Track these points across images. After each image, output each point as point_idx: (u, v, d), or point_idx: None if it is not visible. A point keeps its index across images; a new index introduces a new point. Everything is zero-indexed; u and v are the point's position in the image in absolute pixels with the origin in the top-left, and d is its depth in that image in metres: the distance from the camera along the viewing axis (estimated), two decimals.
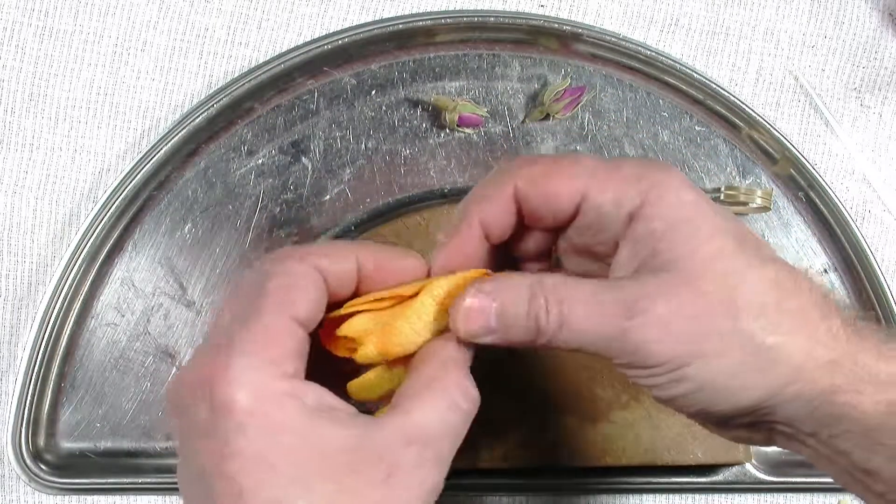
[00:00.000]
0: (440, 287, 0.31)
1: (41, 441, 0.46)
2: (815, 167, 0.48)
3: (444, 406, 0.29)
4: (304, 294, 0.29)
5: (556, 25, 0.47)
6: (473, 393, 0.31)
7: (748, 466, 0.47)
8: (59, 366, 0.46)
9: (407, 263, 0.32)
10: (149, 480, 0.46)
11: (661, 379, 0.29)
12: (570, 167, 0.31)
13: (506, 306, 0.30)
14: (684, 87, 0.48)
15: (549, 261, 0.35)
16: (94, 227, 0.46)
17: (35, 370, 0.45)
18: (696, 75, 0.47)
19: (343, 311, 0.31)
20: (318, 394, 0.28)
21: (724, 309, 0.28)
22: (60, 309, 0.46)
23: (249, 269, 0.31)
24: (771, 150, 0.48)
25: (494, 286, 0.30)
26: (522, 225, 0.33)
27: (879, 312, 0.48)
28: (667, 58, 0.47)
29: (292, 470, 0.26)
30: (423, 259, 0.33)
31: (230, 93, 0.46)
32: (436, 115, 0.48)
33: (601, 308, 0.29)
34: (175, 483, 0.46)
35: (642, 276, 0.29)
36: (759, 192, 0.47)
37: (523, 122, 0.48)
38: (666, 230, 0.29)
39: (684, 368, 0.28)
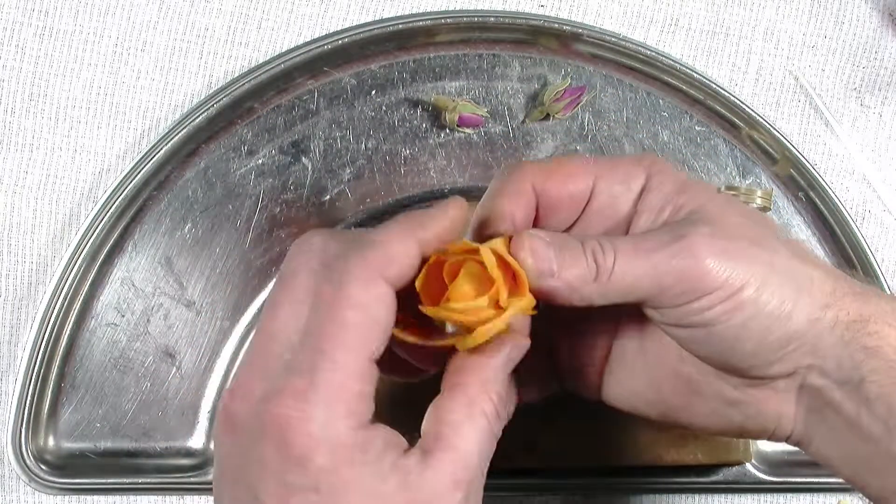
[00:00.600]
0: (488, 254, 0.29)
1: (41, 441, 0.46)
2: (815, 167, 0.48)
3: (485, 439, 0.29)
4: (383, 329, 0.28)
5: (556, 25, 0.47)
6: (509, 411, 0.31)
7: (748, 466, 0.47)
8: (59, 366, 0.46)
9: (456, 215, 0.31)
10: (149, 480, 0.46)
11: (715, 311, 0.29)
12: (578, 161, 0.33)
13: (564, 244, 0.30)
14: (684, 87, 0.48)
15: None
16: (94, 227, 0.46)
17: (35, 370, 0.45)
18: (696, 75, 0.48)
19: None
20: (383, 440, 0.28)
21: (758, 237, 0.30)
22: (60, 309, 0.46)
23: (307, 250, 0.28)
24: (771, 150, 0.48)
25: (546, 233, 0.31)
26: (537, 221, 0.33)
27: None
28: (667, 58, 0.47)
29: None
30: (461, 200, 0.31)
31: (230, 93, 0.46)
32: (436, 115, 0.48)
33: (650, 243, 0.30)
34: (176, 483, 0.46)
35: (685, 223, 0.31)
36: (759, 192, 0.47)
37: (523, 122, 0.48)
38: (680, 188, 0.31)
39: (741, 293, 0.29)
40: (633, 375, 0.34)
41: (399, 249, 0.28)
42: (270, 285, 0.47)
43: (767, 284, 0.29)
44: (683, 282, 0.29)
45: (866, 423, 0.30)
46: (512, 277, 0.29)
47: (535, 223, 0.33)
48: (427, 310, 0.29)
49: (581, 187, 0.33)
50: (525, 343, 0.31)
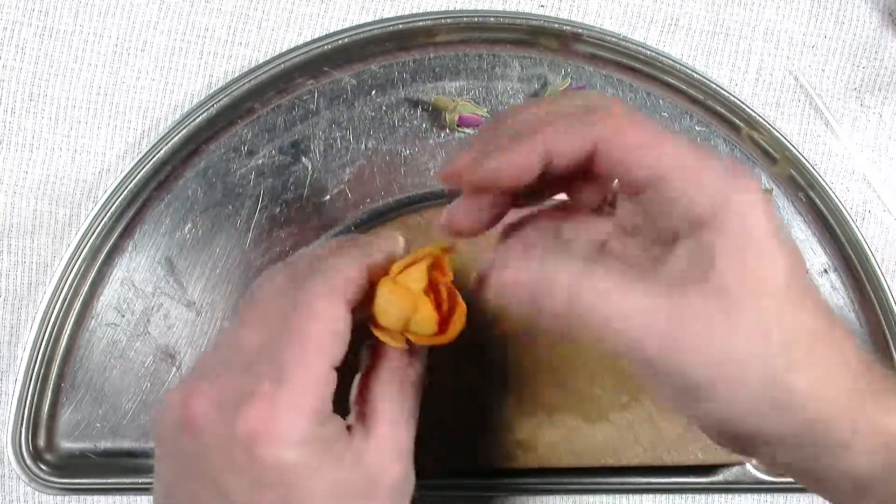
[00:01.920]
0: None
1: (41, 441, 0.46)
2: (815, 167, 0.48)
3: (409, 413, 0.33)
4: (342, 341, 0.30)
5: (556, 25, 0.47)
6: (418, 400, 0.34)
7: (748, 466, 0.47)
8: (59, 366, 0.46)
9: (395, 246, 0.34)
10: (149, 480, 0.46)
11: (684, 397, 0.29)
12: (661, 145, 0.28)
13: (542, 289, 0.29)
14: (684, 87, 0.48)
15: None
16: (94, 227, 0.46)
17: (35, 370, 0.45)
18: (696, 75, 0.47)
19: None
20: (338, 428, 0.30)
21: (759, 345, 0.28)
22: (60, 309, 0.46)
23: (271, 281, 0.32)
24: (771, 150, 0.48)
25: (530, 264, 0.29)
26: (585, 173, 0.30)
27: (879, 312, 0.48)
28: (667, 58, 0.47)
29: None
30: (398, 236, 0.34)
31: (230, 93, 0.46)
32: (436, 115, 0.48)
33: (645, 318, 0.28)
34: None
35: (692, 291, 0.28)
36: None
37: None
38: (730, 248, 0.28)
39: (711, 390, 0.28)
40: None
41: (353, 273, 0.31)
42: None
43: (739, 391, 0.28)
44: (664, 359, 0.28)
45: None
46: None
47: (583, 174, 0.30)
48: (375, 332, 0.33)
49: (643, 172, 0.28)
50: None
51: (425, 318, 0.32)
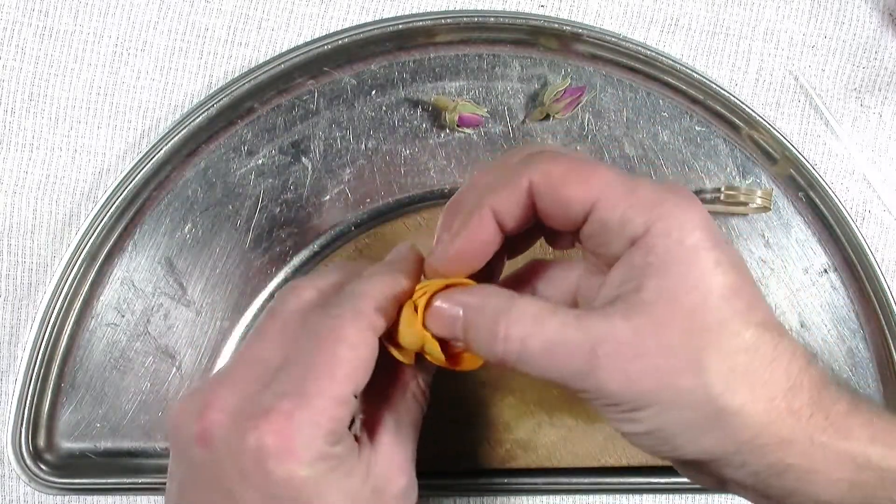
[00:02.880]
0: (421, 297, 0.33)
1: (41, 441, 0.46)
2: (815, 167, 0.48)
3: (417, 420, 0.34)
4: (367, 369, 0.31)
5: (556, 25, 0.47)
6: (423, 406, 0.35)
7: None
8: (59, 366, 0.46)
9: (416, 263, 0.34)
10: (149, 480, 0.46)
11: (617, 415, 0.29)
12: (588, 174, 0.29)
13: (470, 324, 0.31)
14: (684, 87, 0.48)
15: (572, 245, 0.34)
16: (94, 227, 0.46)
17: (35, 370, 0.45)
18: (696, 75, 0.47)
19: None
20: (350, 445, 0.31)
21: (688, 365, 0.28)
22: (60, 309, 0.46)
23: (297, 297, 0.33)
24: (771, 150, 0.48)
25: (465, 299, 0.31)
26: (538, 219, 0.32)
27: (879, 312, 0.48)
28: (667, 58, 0.47)
29: None
30: (411, 245, 0.35)
31: (230, 93, 0.46)
32: (436, 115, 0.48)
33: (565, 348, 0.28)
34: None
35: (616, 313, 0.28)
36: (759, 192, 0.47)
37: (523, 122, 0.48)
38: (658, 267, 0.28)
39: (638, 412, 0.28)
40: None
41: (383, 303, 0.31)
42: (271, 285, 0.47)
43: (670, 415, 0.28)
44: (588, 392, 0.29)
45: None
46: None
47: (530, 217, 0.32)
48: (390, 349, 0.33)
49: (574, 213, 0.30)
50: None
51: (433, 351, 0.32)
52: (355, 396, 0.30)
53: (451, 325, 0.31)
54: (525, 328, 0.29)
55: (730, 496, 0.49)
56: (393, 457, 0.33)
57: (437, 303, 0.31)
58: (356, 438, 0.32)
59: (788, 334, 0.29)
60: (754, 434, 0.28)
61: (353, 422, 0.33)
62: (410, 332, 0.32)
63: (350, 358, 0.30)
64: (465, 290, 0.32)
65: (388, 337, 0.33)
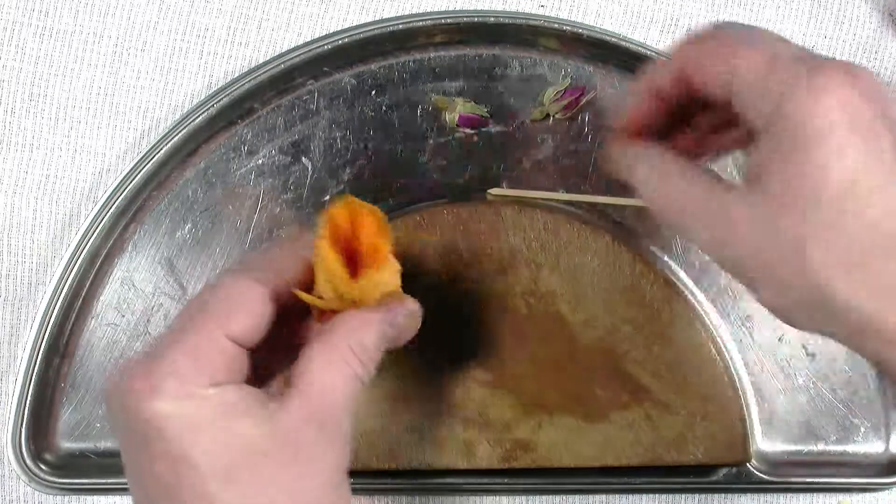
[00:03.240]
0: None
1: (41, 441, 0.46)
2: None
3: (343, 381, 0.31)
4: (242, 311, 0.31)
5: (556, 25, 0.47)
6: (371, 366, 0.32)
7: (748, 466, 0.47)
8: (58, 366, 0.46)
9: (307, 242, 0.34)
10: None
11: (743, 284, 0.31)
12: (740, 46, 0.29)
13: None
14: None
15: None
16: (94, 227, 0.46)
17: (35, 370, 0.45)
18: None
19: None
20: (241, 394, 0.30)
21: (791, 254, 0.28)
22: (60, 309, 0.46)
23: (205, 285, 0.34)
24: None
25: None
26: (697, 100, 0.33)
27: None
28: (667, 58, 0.47)
29: (213, 466, 0.29)
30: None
31: (230, 93, 0.46)
32: (436, 115, 0.48)
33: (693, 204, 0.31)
34: None
35: (739, 190, 0.30)
36: None
37: (523, 122, 0.48)
38: (779, 151, 0.28)
39: (754, 290, 0.30)
40: None
41: (272, 256, 0.33)
42: None
43: (780, 295, 0.29)
44: (698, 240, 0.31)
45: None
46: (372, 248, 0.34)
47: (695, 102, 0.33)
48: (300, 295, 0.33)
49: (715, 86, 0.30)
50: (413, 309, 0.34)
51: (330, 264, 0.33)
52: (240, 345, 0.30)
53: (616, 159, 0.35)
54: (671, 183, 0.32)
55: (729, 496, 0.49)
56: (307, 408, 0.30)
57: (616, 140, 0.35)
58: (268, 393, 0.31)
59: None
60: (864, 325, 0.28)
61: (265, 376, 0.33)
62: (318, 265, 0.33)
63: (215, 302, 0.31)
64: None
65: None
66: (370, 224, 0.34)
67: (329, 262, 0.33)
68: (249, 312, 0.31)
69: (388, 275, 0.34)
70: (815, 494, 0.49)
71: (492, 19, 0.47)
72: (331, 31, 0.48)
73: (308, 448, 0.30)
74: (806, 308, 0.29)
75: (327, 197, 0.47)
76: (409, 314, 0.34)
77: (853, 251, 0.27)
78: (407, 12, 0.48)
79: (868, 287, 0.27)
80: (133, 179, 0.46)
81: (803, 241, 0.27)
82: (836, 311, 0.28)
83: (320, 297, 0.33)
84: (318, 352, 0.31)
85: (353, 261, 0.34)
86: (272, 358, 0.34)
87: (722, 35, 0.30)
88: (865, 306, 0.27)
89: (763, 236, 0.28)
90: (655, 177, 0.32)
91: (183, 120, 0.46)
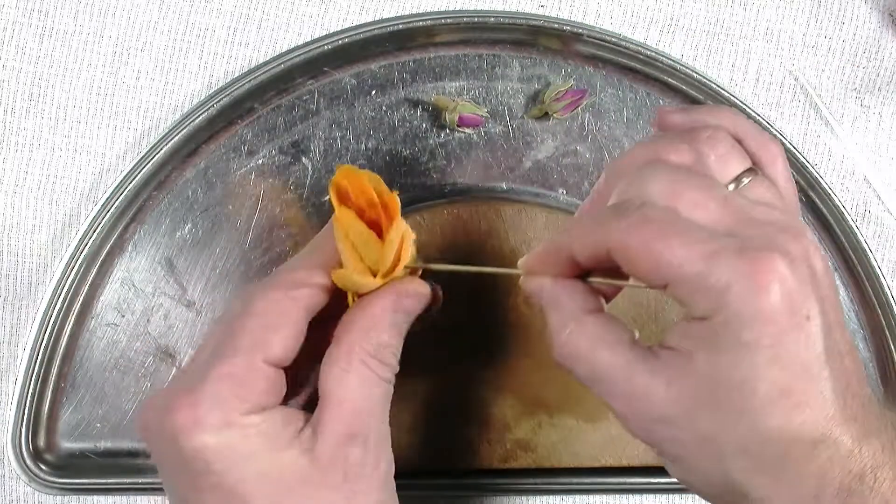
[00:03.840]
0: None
1: (41, 441, 0.46)
2: (815, 167, 0.48)
3: (369, 387, 0.31)
4: (280, 334, 0.30)
5: (557, 26, 0.47)
6: (392, 361, 0.32)
7: None
8: (59, 366, 0.46)
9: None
10: (149, 480, 0.46)
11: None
12: (660, 254, 0.27)
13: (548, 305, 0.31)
14: (684, 88, 0.48)
15: None
16: (94, 227, 0.46)
17: (35, 370, 0.45)
18: (696, 75, 0.47)
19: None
20: (284, 419, 0.30)
21: (709, 450, 0.28)
22: (60, 309, 0.46)
23: (235, 298, 0.33)
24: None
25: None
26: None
27: (879, 312, 0.48)
28: (667, 58, 0.47)
29: (262, 497, 0.29)
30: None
31: (230, 93, 0.46)
32: (436, 115, 0.48)
33: (613, 374, 0.29)
34: None
35: (663, 367, 0.28)
36: None
37: (523, 122, 0.48)
38: (712, 346, 0.27)
39: (665, 461, 0.29)
40: None
41: (300, 274, 0.32)
42: None
43: (694, 474, 0.29)
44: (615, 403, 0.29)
45: None
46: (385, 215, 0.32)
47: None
48: (341, 282, 0.32)
49: (652, 281, 0.29)
50: (419, 290, 0.33)
51: (358, 228, 0.32)
52: (278, 366, 0.30)
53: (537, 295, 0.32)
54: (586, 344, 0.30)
55: None
56: (338, 429, 0.30)
57: (533, 277, 0.32)
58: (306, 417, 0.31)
59: (838, 445, 0.27)
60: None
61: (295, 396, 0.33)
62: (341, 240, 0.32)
63: (252, 327, 0.30)
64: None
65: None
66: (375, 183, 0.33)
67: (357, 227, 0.32)
68: (288, 334, 0.31)
69: (404, 230, 0.32)
70: None
71: (492, 19, 0.47)
72: (331, 31, 0.48)
73: (355, 468, 0.30)
74: (717, 490, 0.29)
75: (327, 197, 0.47)
76: (417, 297, 0.33)
77: (772, 455, 0.27)
78: (407, 12, 0.48)
79: (787, 485, 0.27)
80: (133, 179, 0.46)
81: (720, 439, 0.27)
82: (751, 500, 0.28)
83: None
84: (336, 360, 0.31)
85: (371, 226, 0.33)
86: (302, 365, 0.33)
87: (651, 224, 0.28)
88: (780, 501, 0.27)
89: (683, 420, 0.28)
90: (569, 326, 0.30)
91: (183, 120, 0.46)
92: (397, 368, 0.32)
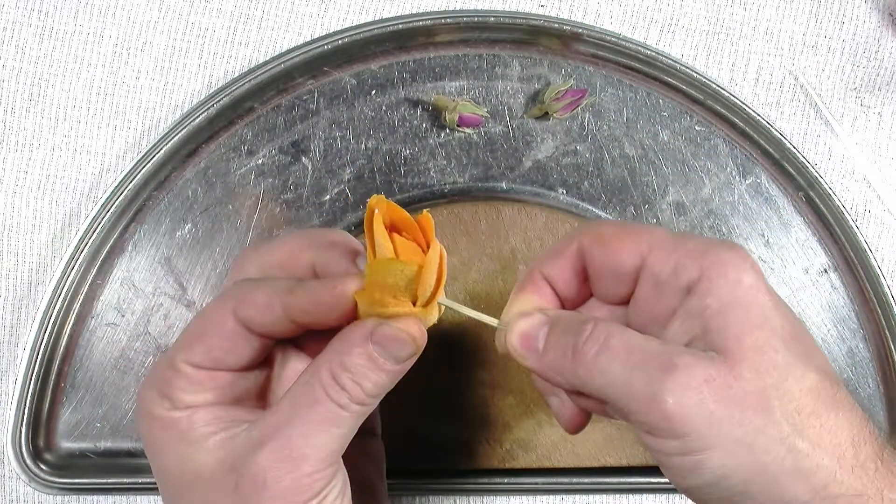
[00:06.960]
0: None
1: (41, 441, 0.46)
2: (815, 167, 0.48)
3: (317, 413, 0.30)
4: (204, 342, 0.31)
5: (556, 25, 0.47)
6: (355, 391, 0.31)
7: None
8: (59, 366, 0.46)
9: (339, 291, 0.31)
10: (149, 480, 0.46)
11: (678, 460, 0.28)
12: (636, 233, 0.31)
13: (557, 322, 0.31)
14: (684, 87, 0.48)
15: None
16: (94, 227, 0.46)
17: (35, 370, 0.45)
18: (696, 75, 0.47)
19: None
20: (209, 419, 0.31)
21: (757, 402, 0.27)
22: (60, 309, 0.46)
23: (237, 266, 0.34)
24: (771, 150, 0.48)
25: (555, 314, 0.32)
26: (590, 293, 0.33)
27: (879, 312, 0.48)
28: (667, 58, 0.47)
29: (171, 485, 0.32)
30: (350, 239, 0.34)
31: (230, 93, 0.46)
32: (436, 115, 0.48)
33: (643, 354, 0.28)
34: None
35: (686, 353, 0.28)
36: None
37: (523, 121, 0.48)
38: (719, 309, 0.28)
39: (706, 453, 0.27)
40: None
41: (259, 295, 0.31)
42: None
43: (741, 458, 0.27)
44: (652, 416, 0.28)
45: None
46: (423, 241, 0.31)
47: (585, 290, 0.33)
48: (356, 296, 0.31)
49: (626, 269, 0.31)
50: (400, 333, 0.31)
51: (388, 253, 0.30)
52: (213, 369, 0.31)
53: (532, 340, 0.32)
54: (613, 327, 0.30)
55: None
56: (277, 444, 0.29)
57: (521, 323, 0.32)
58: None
59: (844, 386, 0.29)
60: (825, 482, 0.27)
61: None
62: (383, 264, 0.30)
63: (189, 328, 0.32)
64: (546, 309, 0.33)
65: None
66: (404, 212, 0.31)
67: (385, 245, 0.30)
68: (212, 344, 0.31)
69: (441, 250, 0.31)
70: None
71: (492, 19, 0.47)
72: (331, 31, 0.48)
73: (289, 493, 0.29)
74: (763, 468, 0.28)
75: (327, 197, 0.47)
76: (400, 342, 0.31)
77: (808, 400, 0.28)
78: (407, 12, 0.48)
79: (823, 440, 0.28)
80: (133, 179, 0.46)
81: (765, 389, 0.28)
82: (799, 467, 0.28)
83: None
84: (306, 374, 0.30)
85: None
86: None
87: (613, 223, 0.31)
88: (827, 461, 0.28)
89: (722, 391, 0.28)
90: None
91: (183, 120, 0.46)
92: (365, 402, 0.31)
